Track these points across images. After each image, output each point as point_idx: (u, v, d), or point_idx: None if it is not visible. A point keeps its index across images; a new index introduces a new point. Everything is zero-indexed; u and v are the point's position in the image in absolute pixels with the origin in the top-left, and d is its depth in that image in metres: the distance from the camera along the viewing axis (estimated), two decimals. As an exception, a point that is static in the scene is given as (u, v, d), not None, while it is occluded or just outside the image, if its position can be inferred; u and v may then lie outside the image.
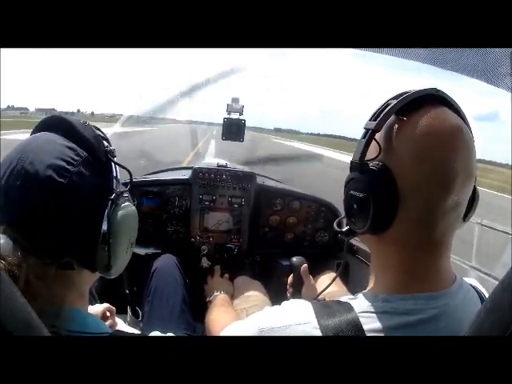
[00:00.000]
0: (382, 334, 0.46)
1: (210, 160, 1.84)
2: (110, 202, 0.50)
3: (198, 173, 1.57)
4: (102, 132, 0.55)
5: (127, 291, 1.36)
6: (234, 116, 1.51)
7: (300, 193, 1.71)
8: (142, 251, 1.45)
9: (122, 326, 1.03)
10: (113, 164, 0.54)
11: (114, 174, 0.54)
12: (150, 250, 1.48)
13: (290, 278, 1.19)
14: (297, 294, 1.16)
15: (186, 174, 1.63)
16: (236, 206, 1.59)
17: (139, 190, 1.57)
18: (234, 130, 1.50)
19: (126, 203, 0.53)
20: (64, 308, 0.50)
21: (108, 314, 0.96)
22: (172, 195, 1.58)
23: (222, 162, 1.67)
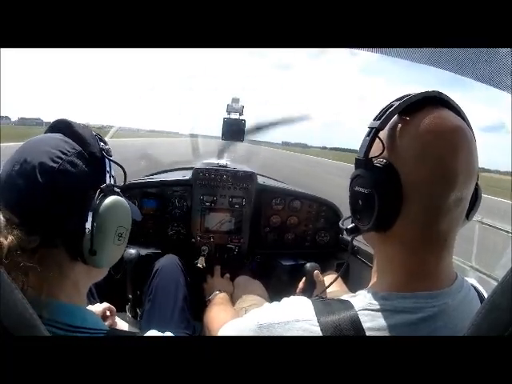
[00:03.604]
0: (381, 332, 0.46)
1: (211, 160, 1.84)
2: (98, 192, 0.54)
3: (199, 173, 1.57)
4: (100, 136, 0.60)
5: (130, 296, 1.36)
6: (234, 116, 1.52)
7: (301, 192, 1.71)
8: (142, 251, 1.45)
9: (122, 325, 1.03)
10: (107, 162, 0.58)
11: (109, 171, 0.58)
12: (151, 251, 1.48)
13: (302, 283, 1.18)
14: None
15: (186, 175, 1.63)
16: (237, 206, 1.59)
17: (140, 191, 1.57)
18: (234, 129, 1.50)
19: (116, 196, 0.56)
20: (63, 301, 0.52)
21: (108, 313, 0.96)
22: (173, 196, 1.58)
23: (223, 162, 1.68)
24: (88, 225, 0.52)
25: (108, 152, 0.58)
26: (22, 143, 0.57)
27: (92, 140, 0.57)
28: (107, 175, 0.57)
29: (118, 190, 0.58)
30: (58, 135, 0.56)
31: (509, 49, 0.52)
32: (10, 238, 0.47)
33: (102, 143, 0.58)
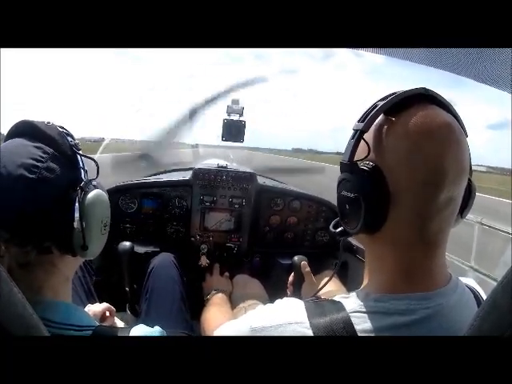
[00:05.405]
0: (373, 335, 0.45)
1: (211, 161, 1.84)
2: (79, 190, 0.55)
3: (199, 174, 1.57)
4: (65, 129, 0.60)
5: (127, 289, 1.36)
6: (234, 117, 1.52)
7: (300, 192, 1.72)
8: (141, 250, 1.45)
9: (122, 326, 1.03)
10: (79, 156, 0.59)
11: (81, 166, 0.59)
12: (150, 249, 1.48)
13: (291, 277, 1.20)
14: (297, 292, 1.16)
15: (186, 175, 1.64)
16: (237, 206, 1.59)
17: (140, 191, 1.57)
18: (233, 131, 1.51)
19: (95, 190, 0.58)
20: (46, 297, 0.54)
21: (108, 313, 0.96)
22: (173, 196, 1.59)
23: (223, 162, 1.68)
24: (76, 224, 0.53)
25: (77, 146, 0.58)
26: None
27: (60, 138, 0.57)
28: (81, 170, 0.58)
29: (95, 183, 0.59)
30: (26, 141, 0.55)
31: (509, 49, 0.52)
32: (7, 256, 0.49)
33: (70, 138, 0.58)
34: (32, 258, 0.52)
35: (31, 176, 0.51)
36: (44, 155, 0.54)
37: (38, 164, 0.52)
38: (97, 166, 0.62)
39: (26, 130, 0.56)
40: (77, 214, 0.53)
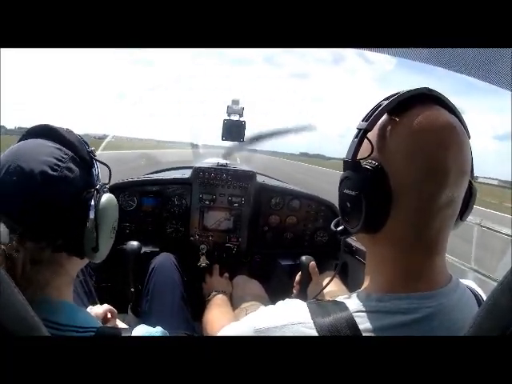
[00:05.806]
0: (376, 334, 0.45)
1: (211, 159, 1.85)
2: (95, 192, 0.58)
3: (199, 172, 1.57)
4: (83, 138, 0.63)
5: (132, 289, 1.36)
6: (234, 117, 1.52)
7: (300, 192, 1.72)
8: (142, 250, 1.45)
9: (124, 327, 1.02)
10: (94, 162, 0.62)
11: (97, 171, 0.63)
12: (149, 249, 1.48)
13: (298, 276, 1.20)
14: (303, 291, 1.16)
15: (186, 174, 1.64)
16: (236, 205, 1.59)
17: (139, 189, 1.57)
18: (234, 130, 1.51)
19: (108, 194, 0.61)
20: (52, 297, 0.55)
21: (109, 315, 0.96)
22: (172, 194, 1.59)
23: (223, 161, 1.68)
24: (89, 224, 0.56)
25: (94, 153, 0.62)
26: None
27: (79, 144, 0.60)
28: (96, 175, 0.62)
29: (107, 187, 0.63)
30: (47, 142, 0.57)
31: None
32: (22, 251, 0.50)
33: (86, 145, 0.62)
34: (46, 256, 0.54)
35: (53, 173, 0.54)
36: (65, 156, 0.56)
37: (60, 163, 0.55)
38: (109, 171, 0.66)
39: (46, 132, 0.59)
40: (91, 216, 0.56)
